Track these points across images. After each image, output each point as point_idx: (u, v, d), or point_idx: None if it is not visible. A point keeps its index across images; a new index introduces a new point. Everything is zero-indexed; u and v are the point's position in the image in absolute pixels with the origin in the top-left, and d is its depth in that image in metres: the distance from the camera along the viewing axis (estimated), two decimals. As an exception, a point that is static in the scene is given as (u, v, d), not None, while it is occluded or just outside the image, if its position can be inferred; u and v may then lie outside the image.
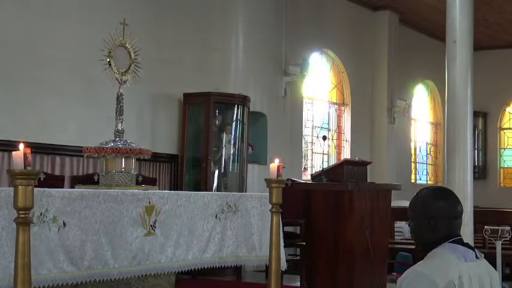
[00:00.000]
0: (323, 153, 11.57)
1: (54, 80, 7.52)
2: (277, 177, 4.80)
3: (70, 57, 7.64)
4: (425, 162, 15.80)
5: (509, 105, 16.73)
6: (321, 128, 12.17)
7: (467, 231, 7.10)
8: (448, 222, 2.72)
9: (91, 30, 7.59)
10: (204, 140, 8.83)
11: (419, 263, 2.69)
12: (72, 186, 6.36)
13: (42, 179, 5.82)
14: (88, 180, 6.32)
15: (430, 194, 2.78)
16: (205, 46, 9.33)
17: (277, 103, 10.48)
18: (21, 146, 3.15)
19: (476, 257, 2.70)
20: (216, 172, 8.97)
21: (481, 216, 8.20)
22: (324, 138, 7.81)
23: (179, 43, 9.04)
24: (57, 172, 7.35)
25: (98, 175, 5.60)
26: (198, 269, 5.35)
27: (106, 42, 5.53)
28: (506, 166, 16.73)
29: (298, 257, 8.31)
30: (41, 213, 4.06)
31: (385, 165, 12.83)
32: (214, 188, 8.83)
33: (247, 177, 9.31)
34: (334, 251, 6.22)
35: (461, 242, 2.69)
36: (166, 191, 5.71)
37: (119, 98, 5.60)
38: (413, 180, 14.97)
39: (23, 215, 3.15)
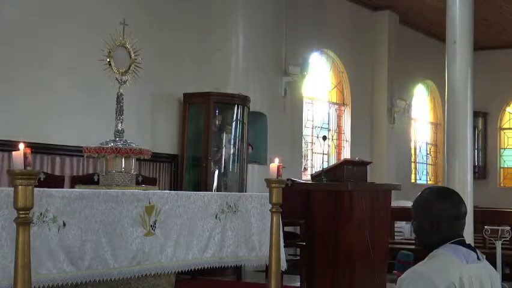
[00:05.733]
0: (323, 153, 11.57)
1: (54, 80, 7.51)
2: (277, 177, 4.80)
3: (70, 57, 7.64)
4: (425, 162, 15.80)
5: (509, 105, 16.72)
6: (321, 128, 12.17)
7: (467, 231, 7.05)
8: (450, 223, 2.70)
9: (91, 30, 7.59)
10: (204, 140, 8.83)
11: (419, 263, 2.67)
12: (72, 186, 6.35)
13: (42, 179, 5.82)
14: (88, 180, 6.31)
15: (433, 194, 2.76)
16: (205, 46, 9.33)
17: (277, 103, 10.48)
18: (21, 146, 3.15)
19: (478, 258, 2.68)
20: (216, 172, 8.97)
21: (481, 216, 8.21)
22: (324, 138, 7.81)
23: (179, 43, 9.04)
24: (57, 172, 7.34)
25: (98, 175, 5.60)
26: (198, 269, 5.34)
27: (106, 42, 5.53)
28: (506, 166, 16.72)
29: (298, 257, 8.31)
30: (41, 213, 4.05)
31: (385, 165, 12.83)
32: (214, 188, 8.82)
33: (247, 177, 9.31)
34: (334, 251, 6.22)
35: (463, 243, 2.68)
36: (166, 191, 5.70)
37: (119, 98, 5.59)
38: (413, 180, 14.97)
39: (23, 215, 3.15)
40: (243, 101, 9.20)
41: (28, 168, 3.11)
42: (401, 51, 13.56)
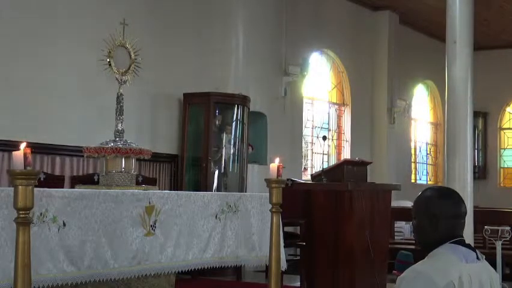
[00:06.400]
0: (323, 153, 11.56)
1: (54, 80, 7.52)
2: (277, 177, 4.80)
3: (70, 57, 7.64)
4: (425, 162, 15.80)
5: (509, 105, 16.73)
6: (321, 128, 12.17)
7: (467, 231, 7.08)
8: (450, 222, 2.70)
9: (91, 30, 7.59)
10: (204, 140, 8.82)
11: (419, 262, 2.68)
12: (72, 186, 6.36)
13: (42, 179, 5.82)
14: (88, 180, 6.32)
15: (434, 194, 2.77)
16: (205, 46, 9.33)
17: (277, 103, 10.48)
18: (21, 146, 3.15)
19: (477, 258, 2.69)
20: (216, 172, 8.96)
21: (481, 216, 8.21)
22: (324, 138, 7.81)
23: (180, 43, 9.04)
24: (57, 172, 7.35)
25: (98, 175, 5.59)
26: (198, 269, 5.34)
27: (106, 42, 5.53)
28: (506, 166, 16.73)
29: (298, 257, 8.31)
30: (41, 213, 4.05)
31: (385, 165, 12.83)
32: (214, 188, 8.82)
33: (247, 177, 9.31)
34: (334, 251, 6.23)
35: (462, 243, 2.68)
36: (166, 191, 5.70)
37: (119, 98, 5.59)
38: (413, 180, 14.97)
39: (23, 215, 3.14)
40: (243, 101, 9.20)
41: (28, 168, 3.11)
42: (401, 51, 13.57)
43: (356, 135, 12.79)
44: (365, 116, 13.11)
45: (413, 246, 8.06)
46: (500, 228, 7.08)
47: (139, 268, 4.73)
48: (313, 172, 9.52)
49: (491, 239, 7.05)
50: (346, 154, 12.53)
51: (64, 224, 4.20)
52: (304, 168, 11.73)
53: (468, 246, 2.69)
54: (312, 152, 12.02)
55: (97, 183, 5.53)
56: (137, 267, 4.71)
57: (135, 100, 7.87)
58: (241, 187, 9.07)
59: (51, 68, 7.48)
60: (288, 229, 8.35)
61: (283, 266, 5.48)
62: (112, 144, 5.42)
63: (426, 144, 15.87)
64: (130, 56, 5.63)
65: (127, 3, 8.21)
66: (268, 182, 4.83)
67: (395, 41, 13.38)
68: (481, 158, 16.51)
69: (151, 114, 8.73)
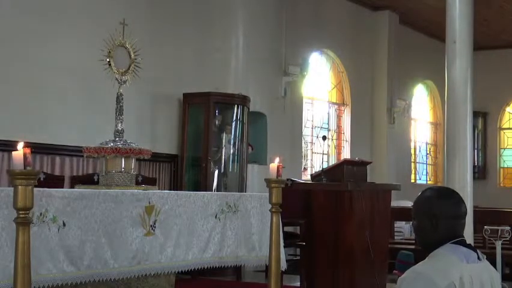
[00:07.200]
0: (323, 153, 11.56)
1: (54, 80, 7.51)
2: (277, 177, 4.80)
3: (70, 57, 7.64)
4: (425, 162, 15.80)
5: (509, 105, 16.73)
6: (321, 128, 12.18)
7: (467, 231, 7.06)
8: (450, 222, 2.70)
9: (91, 30, 7.59)
10: (204, 140, 8.83)
11: (420, 263, 2.68)
12: (72, 186, 6.36)
13: (42, 179, 5.82)
14: (88, 180, 6.32)
15: (434, 194, 2.76)
16: (205, 46, 9.33)
17: (277, 103, 10.48)
18: (20, 146, 3.14)
19: (478, 258, 2.68)
20: (216, 172, 8.97)
21: (481, 216, 8.21)
22: (324, 138, 7.81)
23: (180, 43, 9.04)
24: (57, 172, 7.34)
25: (98, 175, 5.59)
26: (197, 269, 5.34)
27: (106, 42, 5.53)
28: (506, 166, 16.74)
29: (298, 257, 8.31)
30: (40, 213, 4.05)
31: (385, 165, 12.83)
32: (214, 188, 8.82)
33: (247, 177, 9.31)
34: (334, 251, 6.23)
35: (463, 243, 2.68)
36: (165, 191, 5.70)
37: (119, 98, 5.59)
38: (413, 180, 14.97)
39: (23, 215, 3.14)
40: (243, 101, 9.20)
41: (28, 168, 3.11)
42: (401, 51, 13.57)
43: (356, 135, 12.80)
44: (365, 116, 13.12)
45: (413, 246, 8.07)
46: (500, 228, 7.08)
47: (139, 268, 4.73)
48: (313, 172, 9.52)
49: (491, 239, 7.06)
50: (346, 154, 12.53)
51: (64, 224, 4.20)
52: (304, 168, 11.73)
53: (469, 246, 2.68)
54: (312, 152, 12.02)
55: (97, 183, 5.53)
56: (137, 267, 4.71)
57: (135, 100, 7.87)
58: (241, 187, 9.07)
59: (51, 68, 7.48)
60: (288, 229, 8.34)
61: (283, 266, 5.47)
62: (112, 144, 5.42)
63: (426, 144, 15.88)
64: (130, 56, 5.63)
65: (127, 3, 8.21)
66: (268, 182, 4.83)
67: (395, 41, 13.38)
68: (480, 158, 16.51)
69: (151, 114, 8.73)
